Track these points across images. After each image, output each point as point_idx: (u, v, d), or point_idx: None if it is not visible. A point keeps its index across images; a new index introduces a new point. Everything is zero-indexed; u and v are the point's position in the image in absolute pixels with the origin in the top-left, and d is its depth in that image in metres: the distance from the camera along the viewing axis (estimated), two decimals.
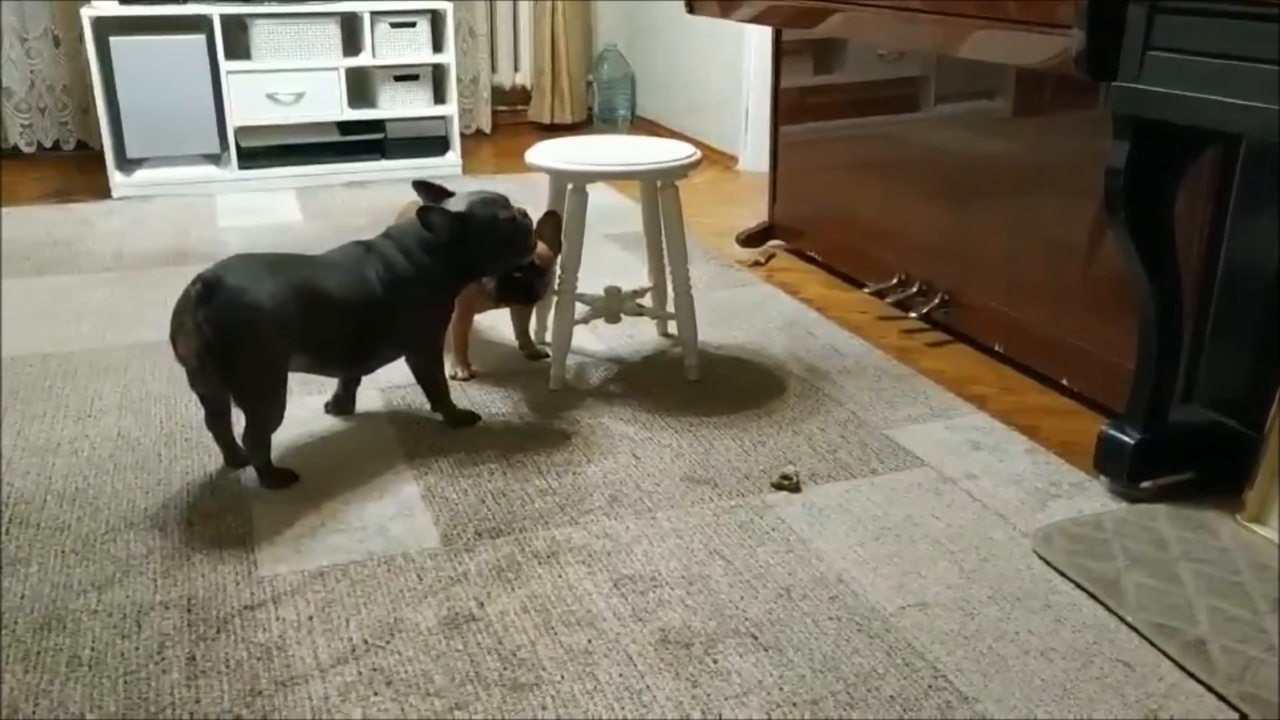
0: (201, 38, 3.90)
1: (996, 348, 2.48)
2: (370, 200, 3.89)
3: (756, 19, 2.87)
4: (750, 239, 3.34)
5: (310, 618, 1.54)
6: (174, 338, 1.79)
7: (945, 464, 1.99)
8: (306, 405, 2.17)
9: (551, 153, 2.27)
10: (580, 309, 2.35)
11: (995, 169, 2.42)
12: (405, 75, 4.18)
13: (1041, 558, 1.69)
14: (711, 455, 2.02)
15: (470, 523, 1.79)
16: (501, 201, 2.03)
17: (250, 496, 1.87)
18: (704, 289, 2.81)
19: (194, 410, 2.04)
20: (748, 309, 2.81)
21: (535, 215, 2.17)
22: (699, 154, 2.30)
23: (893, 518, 1.81)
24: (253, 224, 3.59)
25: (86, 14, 3.75)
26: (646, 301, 2.55)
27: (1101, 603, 1.58)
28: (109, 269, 3.11)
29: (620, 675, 1.43)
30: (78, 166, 4.35)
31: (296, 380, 1.91)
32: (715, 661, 1.46)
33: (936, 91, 2.60)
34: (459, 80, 4.53)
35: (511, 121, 5.23)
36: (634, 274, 2.87)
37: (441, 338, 2.09)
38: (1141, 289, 1.79)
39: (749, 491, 1.90)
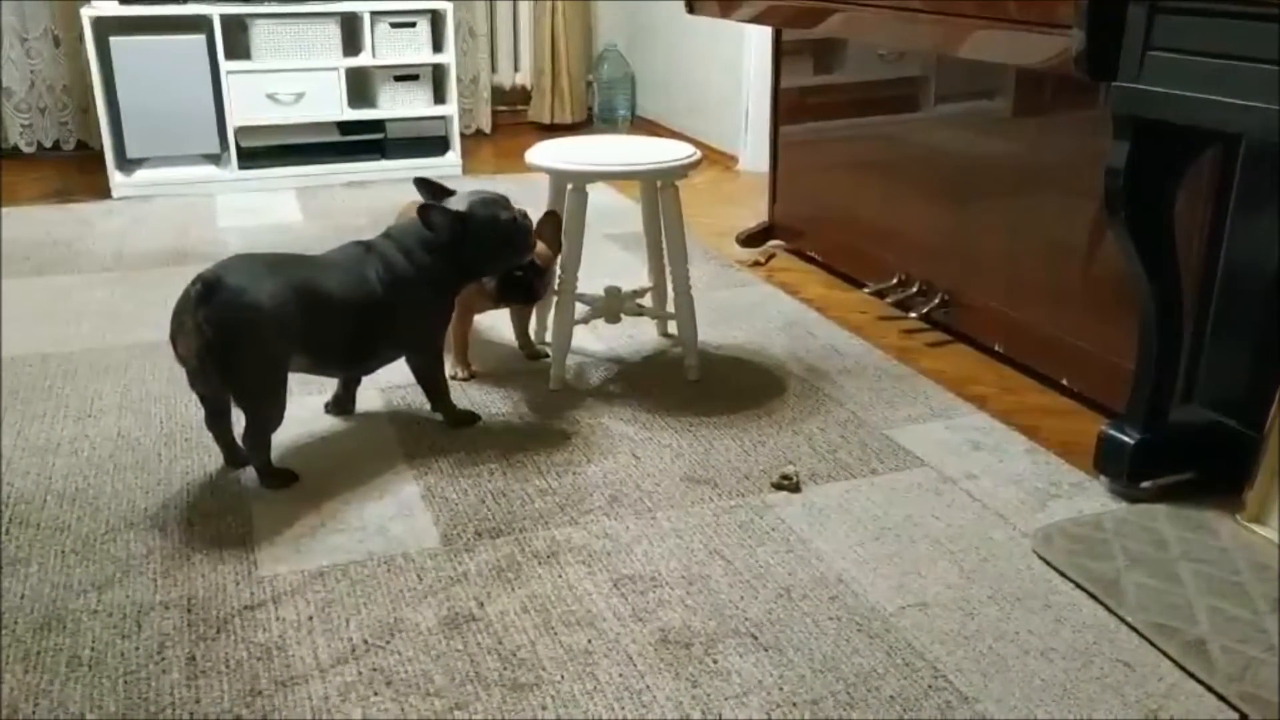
0: (201, 38, 3.90)
1: (996, 348, 2.48)
2: (370, 200, 3.89)
3: (756, 19, 2.87)
4: (750, 239, 3.34)
5: (310, 618, 1.54)
6: (174, 338, 1.79)
7: (945, 464, 1.99)
8: (306, 405, 2.17)
9: (551, 153, 2.27)
10: (580, 309, 2.35)
11: (995, 169, 2.42)
12: (405, 75, 4.18)
13: (1041, 558, 1.69)
14: (711, 455, 2.02)
15: (470, 523, 1.79)
16: (502, 202, 2.03)
17: (250, 496, 1.87)
18: (704, 289, 2.81)
19: (194, 410, 2.04)
20: (748, 309, 2.81)
21: (535, 215, 2.18)
22: (699, 154, 2.30)
23: (893, 518, 1.81)
24: (253, 224, 3.59)
25: (86, 14, 3.75)
26: (646, 301, 2.55)
27: (1101, 603, 1.58)
28: (109, 269, 3.11)
29: (620, 675, 1.43)
30: (78, 166, 4.35)
31: (296, 380, 1.91)
32: (715, 661, 1.46)
33: (936, 91, 2.60)
34: (459, 80, 4.53)
35: (511, 121, 5.23)
36: (634, 274, 2.87)
37: (441, 338, 2.09)
38: (1141, 289, 1.79)
39: (749, 491, 1.90)
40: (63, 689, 1.40)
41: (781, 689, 1.40)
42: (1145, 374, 1.83)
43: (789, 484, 1.90)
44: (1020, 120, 2.35)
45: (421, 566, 1.67)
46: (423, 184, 2.06)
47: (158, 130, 3.92)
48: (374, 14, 4.05)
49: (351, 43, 4.13)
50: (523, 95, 5.24)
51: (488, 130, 5.10)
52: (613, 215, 3.62)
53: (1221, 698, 1.39)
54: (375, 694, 1.39)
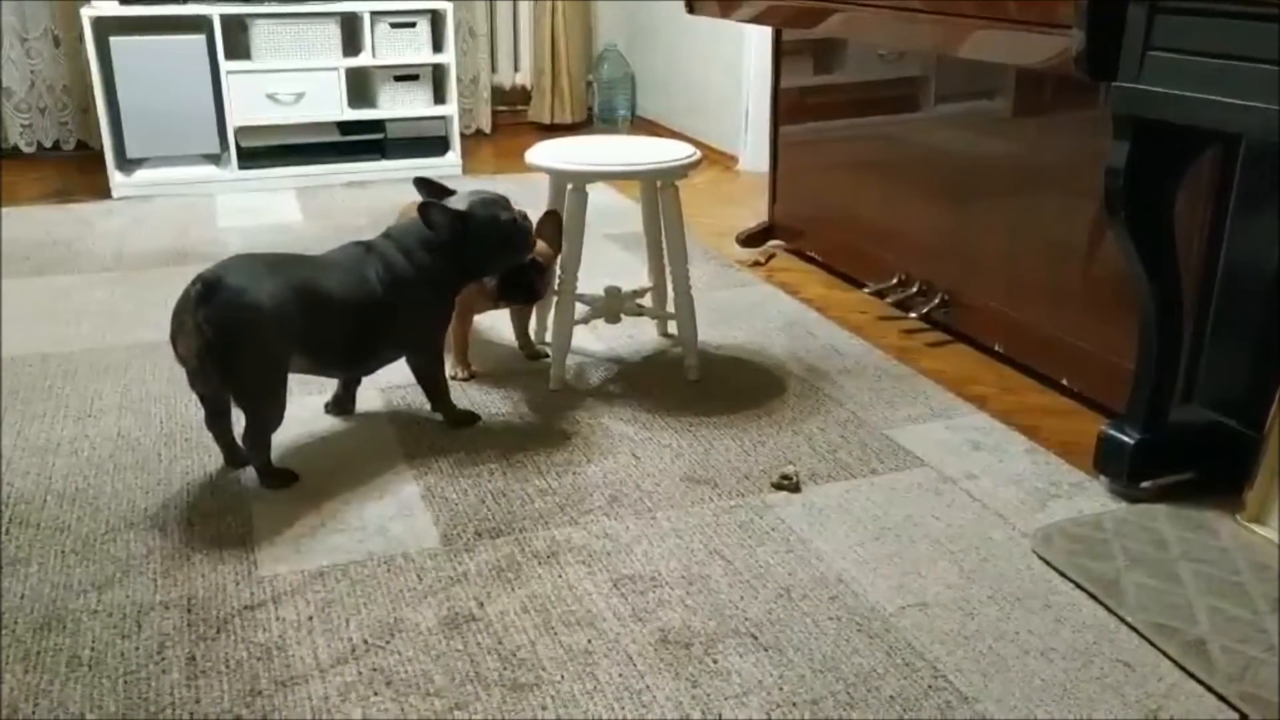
0: (201, 38, 3.90)
1: (996, 348, 2.48)
2: (370, 200, 3.89)
3: (756, 19, 2.87)
4: (750, 239, 3.34)
5: (310, 618, 1.54)
6: (174, 338, 1.79)
7: (945, 464, 1.99)
8: (306, 405, 2.17)
9: (551, 153, 2.27)
10: (580, 309, 2.35)
11: (995, 169, 2.42)
12: (405, 75, 4.18)
13: (1041, 558, 1.69)
14: (711, 455, 2.02)
15: (470, 523, 1.79)
16: (502, 202, 2.03)
17: (250, 496, 1.87)
18: (704, 289, 2.81)
19: (194, 410, 2.04)
20: (748, 309, 2.81)
21: (535, 215, 2.18)
22: (699, 154, 2.30)
23: (893, 518, 1.81)
24: (253, 224, 3.59)
25: (86, 14, 3.75)
26: (646, 301, 2.55)
27: (1101, 603, 1.58)
28: (109, 269, 3.11)
29: (620, 675, 1.43)
30: (78, 166, 4.35)
31: (296, 380, 1.91)
32: (715, 661, 1.46)
33: (936, 91, 2.60)
34: (459, 80, 4.53)
35: (511, 121, 5.23)
36: (634, 274, 2.87)
37: (442, 338, 2.09)
38: (1141, 289, 1.79)
39: (749, 491, 1.90)
40: (63, 689, 1.40)
41: (781, 689, 1.41)
42: (1145, 374, 1.83)
43: (789, 484, 1.90)
44: (1020, 120, 2.35)
45: (421, 566, 1.67)
46: (423, 184, 2.06)
47: (158, 130, 3.92)
48: (374, 14, 4.05)
49: (351, 43, 4.13)
50: (523, 95, 5.24)
51: (488, 130, 5.10)
52: (613, 215, 3.62)
53: (1221, 698, 1.39)
54: (375, 694, 1.39)
